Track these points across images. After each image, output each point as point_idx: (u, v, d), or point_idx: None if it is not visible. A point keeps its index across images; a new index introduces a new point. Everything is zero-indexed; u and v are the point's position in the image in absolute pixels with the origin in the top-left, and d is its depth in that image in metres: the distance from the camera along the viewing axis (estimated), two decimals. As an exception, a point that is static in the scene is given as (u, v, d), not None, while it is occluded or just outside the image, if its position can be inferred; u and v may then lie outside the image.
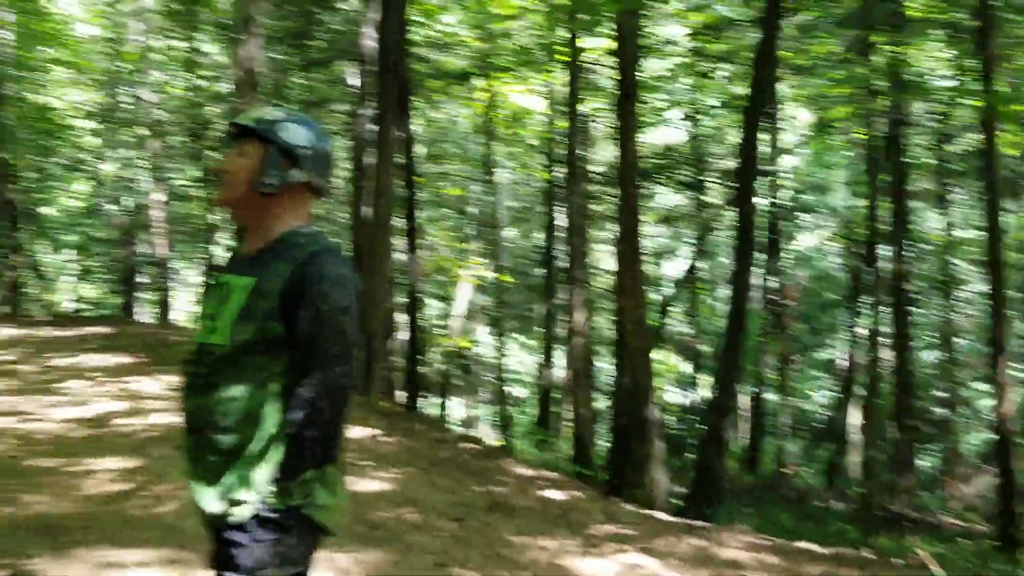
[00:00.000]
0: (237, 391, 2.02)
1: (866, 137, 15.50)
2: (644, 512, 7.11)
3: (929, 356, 21.06)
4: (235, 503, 1.99)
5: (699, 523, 6.91)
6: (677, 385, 23.19)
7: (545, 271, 20.31)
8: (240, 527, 1.99)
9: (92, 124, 23.64)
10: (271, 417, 2.03)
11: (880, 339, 14.66)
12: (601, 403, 24.16)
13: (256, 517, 1.99)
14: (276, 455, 2.01)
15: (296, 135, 2.15)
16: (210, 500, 2.02)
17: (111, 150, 22.46)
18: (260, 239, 2.15)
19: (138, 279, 21.16)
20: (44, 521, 4.85)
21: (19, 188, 22.21)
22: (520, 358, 28.63)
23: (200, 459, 2.06)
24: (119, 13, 21.25)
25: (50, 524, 4.81)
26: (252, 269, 2.09)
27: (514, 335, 27.31)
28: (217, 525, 2.04)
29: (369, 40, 11.86)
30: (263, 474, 2.00)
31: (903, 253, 15.17)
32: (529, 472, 8.10)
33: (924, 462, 21.72)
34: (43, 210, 24.63)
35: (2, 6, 18.30)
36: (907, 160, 15.51)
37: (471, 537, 5.26)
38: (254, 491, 1.99)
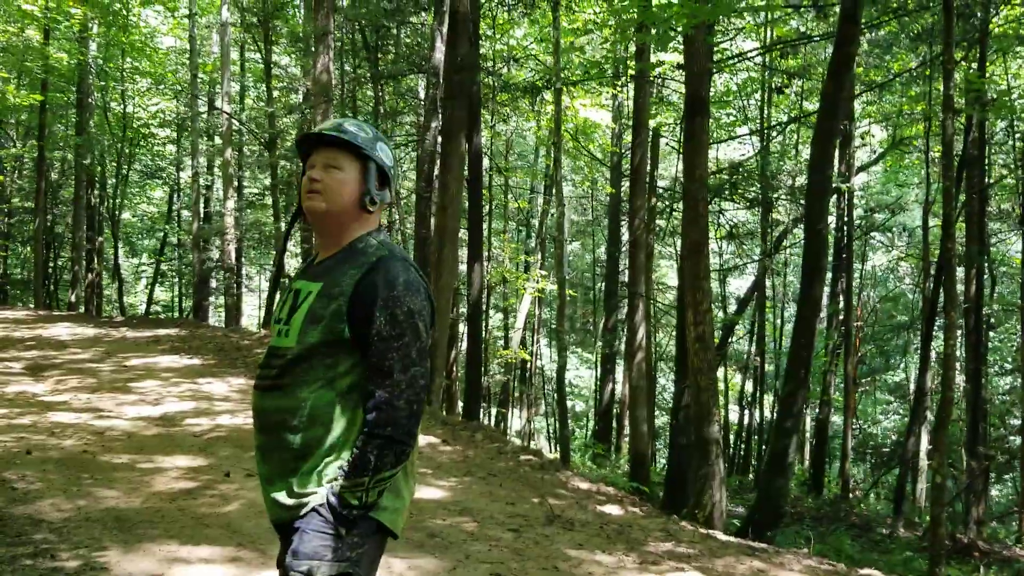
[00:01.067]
0: (306, 392, 2.07)
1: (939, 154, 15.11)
2: (703, 531, 7.01)
3: (1004, 382, 20.39)
4: (303, 496, 2.06)
5: (759, 545, 6.78)
6: (739, 404, 22.85)
7: (607, 285, 20.24)
8: (306, 516, 2.06)
9: (170, 132, 24.41)
10: (340, 417, 2.08)
11: (954, 363, 14.16)
12: (661, 419, 23.95)
13: (323, 508, 2.04)
14: (345, 453, 2.07)
15: (386, 155, 2.26)
16: (281, 497, 2.09)
17: (188, 158, 23.11)
18: (335, 246, 2.22)
19: (210, 283, 21.69)
20: (115, 515, 5.01)
21: (101, 194, 23.06)
22: (579, 372, 28.56)
23: (272, 458, 2.12)
24: (199, 25, 21.90)
25: (120, 518, 4.96)
26: (323, 274, 2.17)
27: (574, 348, 27.25)
28: (286, 520, 2.10)
29: (440, 54, 12.01)
30: (331, 471, 2.06)
31: (982, 276, 14.75)
32: (587, 486, 8.06)
33: (997, 492, 20.99)
34: (122, 215, 25.45)
35: (90, 19, 19.01)
36: (987, 180, 15.10)
37: (528, 549, 5.26)
38: (322, 486, 2.06)
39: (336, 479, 2.05)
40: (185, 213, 25.93)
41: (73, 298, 20.98)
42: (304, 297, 2.16)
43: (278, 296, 2.39)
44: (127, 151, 23.07)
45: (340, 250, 2.20)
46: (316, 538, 2.03)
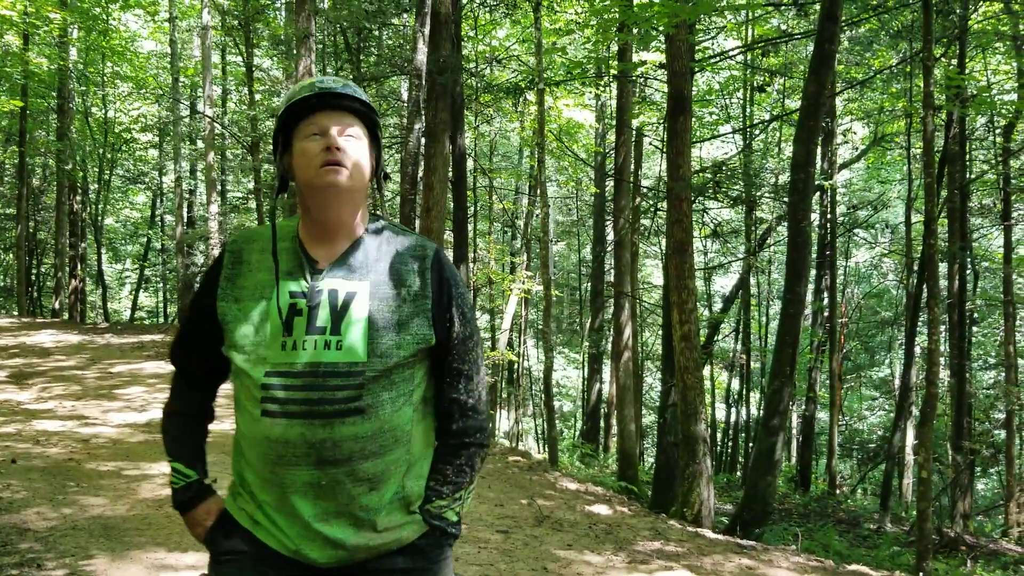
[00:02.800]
0: (390, 411, 1.79)
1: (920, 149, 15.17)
2: (691, 530, 7.04)
3: (988, 377, 20.55)
4: (391, 530, 1.82)
5: (747, 543, 6.81)
6: (726, 402, 22.94)
7: (593, 285, 20.28)
8: (417, 550, 1.85)
9: (152, 137, 24.29)
10: (418, 432, 1.87)
11: (938, 358, 14.23)
12: (648, 418, 24.01)
13: (431, 535, 1.87)
14: (422, 468, 1.88)
15: None
16: (351, 537, 1.79)
17: (170, 162, 23.01)
18: (345, 237, 1.87)
19: (194, 288, 21.58)
20: (101, 523, 4.98)
21: (83, 199, 22.92)
22: (566, 372, 28.59)
23: (336, 493, 1.77)
24: (179, 29, 21.79)
25: (107, 526, 4.93)
26: (358, 270, 1.84)
27: (561, 349, 27.28)
28: (358, 560, 1.82)
29: (422, 55, 12.00)
30: (413, 492, 1.86)
31: (965, 271, 14.86)
32: (575, 486, 8.07)
33: (983, 485, 21.15)
34: (105, 221, 25.31)
35: (69, 23, 18.90)
36: (968, 176, 15.21)
37: (517, 550, 5.26)
38: (412, 512, 1.85)
39: (428, 499, 1.86)
40: (168, 218, 25.79)
41: (57, 305, 20.83)
42: (345, 300, 1.80)
43: (271, 302, 1.78)
44: (109, 156, 22.95)
45: (357, 240, 1.87)
46: (443, 567, 1.89)
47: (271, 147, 1.93)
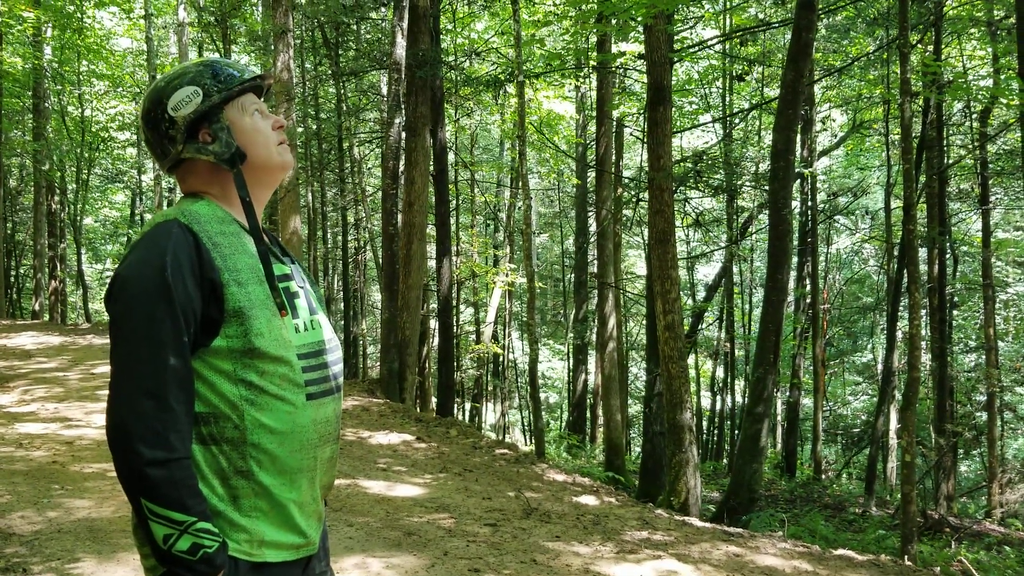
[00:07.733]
0: None
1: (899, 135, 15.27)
2: (678, 518, 7.08)
3: (969, 359, 20.73)
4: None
5: (734, 530, 6.86)
6: (711, 390, 23.05)
7: (577, 276, 20.32)
8: None
9: (130, 135, 24.08)
10: None
11: (919, 342, 14.36)
12: (634, 408, 24.11)
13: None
14: None
15: None
16: (323, 506, 1.85)
17: (149, 161, 22.82)
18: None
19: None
20: (87, 525, 4.95)
21: (61, 199, 22.71)
22: (551, 364, 28.64)
23: (334, 466, 1.85)
24: (155, 26, 21.60)
25: (93, 528, 4.90)
26: (287, 254, 1.86)
27: (546, 340, 27.32)
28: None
29: (401, 49, 11.95)
30: None
31: (944, 255, 14.98)
32: (563, 478, 8.10)
33: (965, 467, 21.37)
34: (84, 220, 25.09)
35: (44, 22, 18.71)
36: (946, 161, 15.33)
37: (505, 543, 5.27)
38: None
39: None
40: (148, 217, 25.60)
41: (37, 306, 20.65)
42: (308, 281, 1.87)
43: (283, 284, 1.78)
44: (87, 156, 22.73)
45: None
46: None
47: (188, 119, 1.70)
